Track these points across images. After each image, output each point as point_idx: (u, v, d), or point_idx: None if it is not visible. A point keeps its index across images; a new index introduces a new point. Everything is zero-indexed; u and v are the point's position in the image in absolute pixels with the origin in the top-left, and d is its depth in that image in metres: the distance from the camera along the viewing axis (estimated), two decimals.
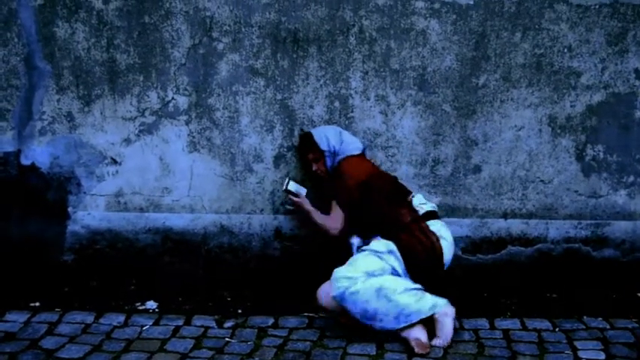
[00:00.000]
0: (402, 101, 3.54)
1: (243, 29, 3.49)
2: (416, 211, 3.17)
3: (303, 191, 3.40)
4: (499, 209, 3.67)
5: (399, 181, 3.38)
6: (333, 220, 3.29)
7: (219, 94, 3.57)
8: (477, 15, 3.45)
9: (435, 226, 3.16)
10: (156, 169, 3.67)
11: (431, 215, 3.21)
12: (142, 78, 3.57)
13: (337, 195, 3.27)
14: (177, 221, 3.72)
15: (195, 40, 3.51)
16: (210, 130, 3.61)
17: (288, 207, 3.58)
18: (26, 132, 3.66)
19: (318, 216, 3.35)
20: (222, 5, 3.47)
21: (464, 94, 3.53)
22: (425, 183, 3.65)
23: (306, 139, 3.40)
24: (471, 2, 3.43)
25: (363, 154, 3.40)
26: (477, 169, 3.62)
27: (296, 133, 3.63)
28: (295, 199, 3.37)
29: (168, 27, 3.51)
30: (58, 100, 3.61)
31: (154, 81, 3.57)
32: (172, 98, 3.58)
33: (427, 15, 3.45)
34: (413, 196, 3.26)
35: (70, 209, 3.74)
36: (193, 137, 3.63)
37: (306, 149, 3.43)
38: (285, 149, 3.64)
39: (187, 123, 3.61)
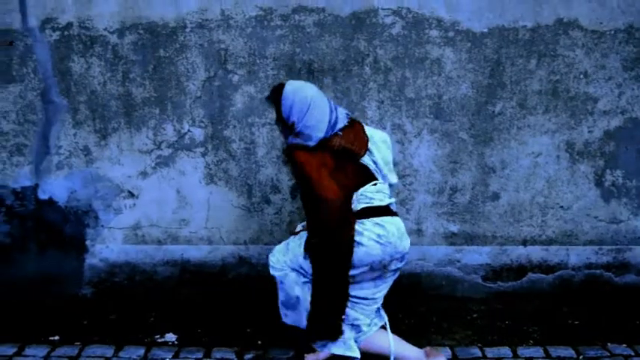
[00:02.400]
0: (419, 130, 3.52)
1: (257, 61, 3.49)
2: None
3: None
4: (518, 236, 3.64)
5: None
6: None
7: (234, 126, 3.56)
8: (491, 43, 3.43)
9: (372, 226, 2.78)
10: (173, 201, 3.67)
11: (376, 211, 2.82)
12: (157, 111, 3.56)
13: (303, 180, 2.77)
14: (195, 253, 3.71)
15: (211, 73, 3.51)
16: (226, 161, 3.61)
17: None
18: (43, 166, 3.66)
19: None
20: (237, 38, 3.47)
21: (480, 121, 3.50)
22: (443, 211, 3.62)
23: (277, 93, 2.85)
24: (485, 30, 3.42)
25: (318, 147, 2.78)
26: (496, 196, 3.60)
27: None
28: None
29: (184, 60, 3.50)
30: (75, 135, 3.61)
31: (169, 114, 3.56)
32: (188, 130, 3.57)
33: (442, 44, 3.44)
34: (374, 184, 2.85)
35: (87, 242, 3.74)
36: (210, 169, 3.62)
37: (275, 100, 2.87)
38: None
39: (204, 155, 3.60)
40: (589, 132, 3.50)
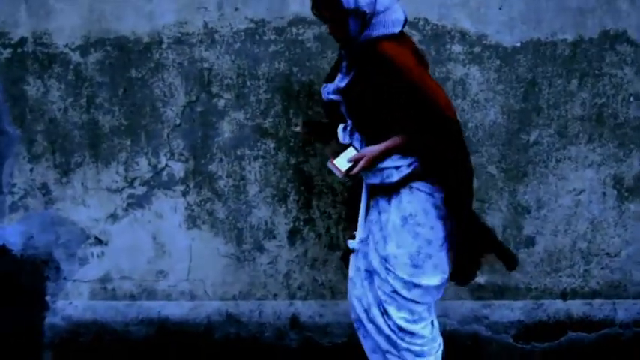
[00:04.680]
0: None
1: (248, 82, 2.96)
2: None
3: (352, 151, 2.33)
4: (557, 288, 3.12)
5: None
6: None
7: (221, 160, 3.02)
8: (525, 60, 2.91)
9: None
10: (148, 249, 3.13)
11: None
12: (129, 142, 3.03)
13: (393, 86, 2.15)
14: (175, 310, 3.17)
15: (192, 97, 2.97)
16: (211, 201, 3.06)
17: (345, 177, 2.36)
18: None
19: (389, 142, 2.26)
20: (223, 55, 2.94)
21: (512, 153, 2.98)
22: None
23: None
24: (518, 45, 2.90)
25: (402, 34, 2.27)
26: (530, 241, 3.06)
27: (314, 203, 3.05)
28: (360, 165, 2.28)
29: (159, 82, 2.97)
30: (31, 170, 3.07)
31: (143, 145, 3.03)
32: (166, 165, 3.04)
33: (466, 61, 2.91)
34: None
35: (48, 298, 3.20)
36: (192, 211, 3.07)
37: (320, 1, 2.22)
38: (301, 223, 3.08)
39: (184, 194, 3.06)
40: None
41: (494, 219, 3.06)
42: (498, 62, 2.94)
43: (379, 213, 2.37)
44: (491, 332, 3.16)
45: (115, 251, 3.16)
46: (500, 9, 2.90)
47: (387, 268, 2.34)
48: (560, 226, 3.08)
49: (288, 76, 2.96)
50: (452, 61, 2.94)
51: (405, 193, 2.29)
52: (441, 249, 2.32)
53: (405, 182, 2.29)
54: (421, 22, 2.91)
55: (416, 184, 2.28)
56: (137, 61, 2.98)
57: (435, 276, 2.33)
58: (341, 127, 2.42)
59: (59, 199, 3.12)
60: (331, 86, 2.39)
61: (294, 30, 2.93)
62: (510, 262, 2.42)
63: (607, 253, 3.10)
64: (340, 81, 2.35)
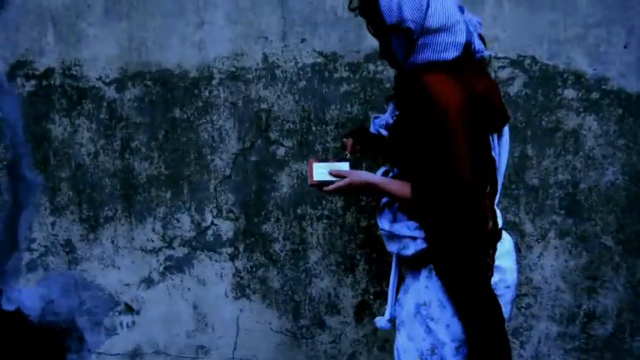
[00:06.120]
0: (543, 231, 2.52)
1: (313, 128, 2.51)
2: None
3: (344, 166, 1.88)
4: None
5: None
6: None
7: (278, 219, 2.57)
8: None
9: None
10: (188, 320, 2.70)
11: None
12: (169, 195, 2.60)
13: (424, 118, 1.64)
14: None
15: (246, 143, 2.52)
16: (265, 268, 2.61)
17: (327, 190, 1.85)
18: (9, 266, 2.71)
19: (397, 185, 1.77)
20: (285, 94, 2.47)
21: (633, 222, 2.49)
22: (573, 346, 2.58)
23: None
24: None
25: (470, 63, 1.72)
26: None
27: (386, 270, 2.54)
28: (337, 184, 1.81)
29: (208, 124, 2.52)
30: (53, 224, 2.65)
31: (186, 199, 2.59)
32: (212, 223, 2.59)
33: (581, 109, 2.41)
34: None
35: None
36: (241, 277, 2.61)
37: (366, 10, 1.76)
38: (371, 296, 2.59)
39: (233, 258, 2.61)
40: None
41: (608, 299, 2.54)
42: (620, 111, 2.44)
43: (405, 292, 1.88)
44: None
45: (149, 321, 2.73)
46: (625, 47, 2.38)
47: None
48: None
49: (363, 121, 2.47)
50: (563, 108, 2.44)
51: (424, 275, 1.79)
52: (458, 355, 1.76)
53: (425, 261, 1.77)
54: (527, 61, 2.41)
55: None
56: (182, 99, 2.54)
57: None
58: (381, 170, 1.94)
59: (85, 259, 2.70)
60: (383, 118, 1.90)
61: (371, 67, 2.46)
62: None
63: None
64: (390, 115, 1.88)
